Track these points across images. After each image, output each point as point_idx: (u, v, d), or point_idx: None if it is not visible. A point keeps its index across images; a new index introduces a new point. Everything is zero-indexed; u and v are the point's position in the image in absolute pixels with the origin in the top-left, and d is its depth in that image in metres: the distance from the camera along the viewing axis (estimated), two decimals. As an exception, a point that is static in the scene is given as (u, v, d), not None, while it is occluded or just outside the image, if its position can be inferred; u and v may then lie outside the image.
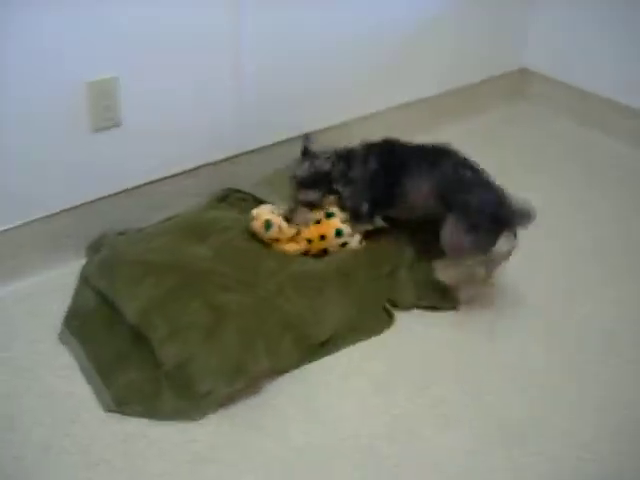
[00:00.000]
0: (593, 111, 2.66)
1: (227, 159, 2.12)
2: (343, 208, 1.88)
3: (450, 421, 1.53)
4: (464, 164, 1.80)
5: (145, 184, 1.97)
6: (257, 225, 1.81)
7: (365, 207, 1.88)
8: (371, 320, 1.76)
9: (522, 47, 2.84)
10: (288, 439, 1.47)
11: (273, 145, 2.20)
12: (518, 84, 2.87)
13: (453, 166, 1.79)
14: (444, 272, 1.83)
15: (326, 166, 1.84)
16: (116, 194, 1.92)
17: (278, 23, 2.06)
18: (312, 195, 1.86)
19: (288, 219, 1.83)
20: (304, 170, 1.87)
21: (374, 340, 1.72)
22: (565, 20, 2.68)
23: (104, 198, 1.90)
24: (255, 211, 1.84)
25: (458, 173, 1.78)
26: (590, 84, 2.64)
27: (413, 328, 1.76)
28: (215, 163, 2.10)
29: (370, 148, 1.89)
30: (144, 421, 1.47)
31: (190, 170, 2.06)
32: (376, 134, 1.92)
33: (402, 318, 1.78)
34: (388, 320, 1.77)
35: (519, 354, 1.71)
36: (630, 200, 2.33)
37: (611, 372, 1.67)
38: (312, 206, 1.87)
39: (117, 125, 1.85)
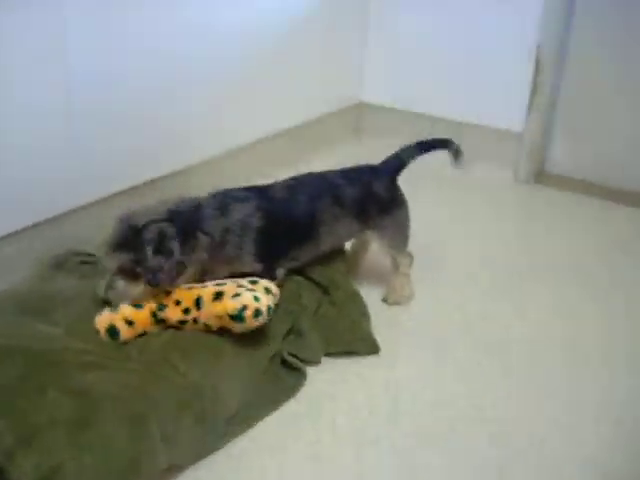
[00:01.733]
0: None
1: (58, 217, 1.71)
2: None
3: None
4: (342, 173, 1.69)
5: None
6: (104, 337, 1.35)
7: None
8: (280, 383, 1.42)
9: (359, 81, 2.80)
10: None
11: (114, 196, 1.83)
12: (357, 118, 2.82)
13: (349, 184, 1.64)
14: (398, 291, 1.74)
15: (141, 221, 1.34)
16: None
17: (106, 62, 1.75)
18: (121, 258, 1.34)
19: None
20: (116, 230, 1.37)
21: (290, 404, 1.39)
22: (397, 54, 2.74)
23: None
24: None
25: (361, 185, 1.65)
26: (428, 109, 2.69)
27: (331, 379, 1.46)
28: (41, 223, 1.68)
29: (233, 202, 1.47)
30: None
31: (8, 235, 1.63)
32: (207, 182, 1.66)
33: (315, 372, 1.47)
34: (299, 377, 1.45)
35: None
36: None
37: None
38: (129, 274, 1.36)
39: None
